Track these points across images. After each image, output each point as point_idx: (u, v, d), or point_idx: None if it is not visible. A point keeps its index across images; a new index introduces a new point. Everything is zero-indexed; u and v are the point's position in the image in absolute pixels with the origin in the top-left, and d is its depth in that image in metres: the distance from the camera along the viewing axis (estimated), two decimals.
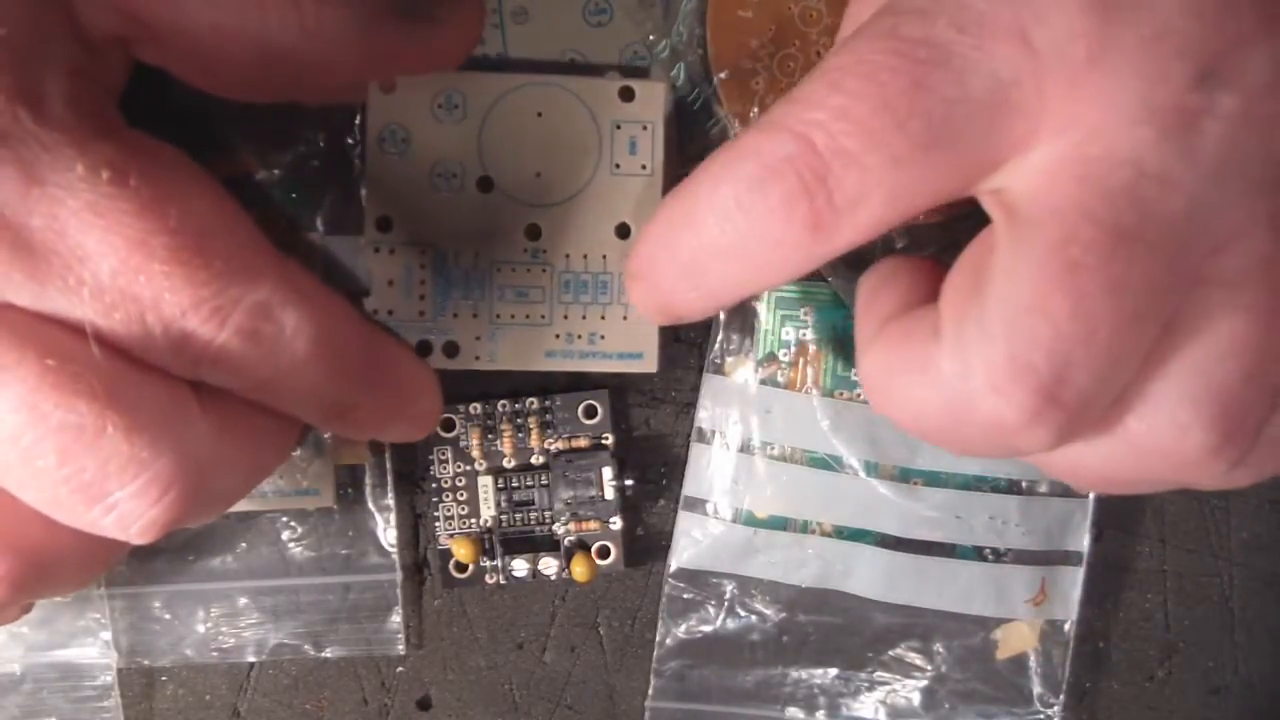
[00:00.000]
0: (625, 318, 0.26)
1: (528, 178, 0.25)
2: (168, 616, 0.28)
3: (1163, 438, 0.19)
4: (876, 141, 0.19)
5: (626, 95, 0.25)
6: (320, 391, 0.22)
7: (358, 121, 0.27)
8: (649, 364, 0.26)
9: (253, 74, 0.23)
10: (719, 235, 0.20)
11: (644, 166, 0.25)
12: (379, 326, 0.25)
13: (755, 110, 0.27)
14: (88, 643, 0.28)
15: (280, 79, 0.23)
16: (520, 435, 0.28)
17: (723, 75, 0.27)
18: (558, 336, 0.26)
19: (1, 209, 0.19)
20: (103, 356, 0.19)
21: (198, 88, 0.23)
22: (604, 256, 0.26)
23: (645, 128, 0.25)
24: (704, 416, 0.29)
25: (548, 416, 0.28)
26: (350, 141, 0.27)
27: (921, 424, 0.20)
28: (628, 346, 0.26)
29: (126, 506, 0.20)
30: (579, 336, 0.26)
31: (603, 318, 0.26)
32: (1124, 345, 0.18)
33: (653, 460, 0.29)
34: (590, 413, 0.28)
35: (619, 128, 0.25)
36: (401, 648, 0.29)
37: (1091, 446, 0.20)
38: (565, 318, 0.26)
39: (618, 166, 0.25)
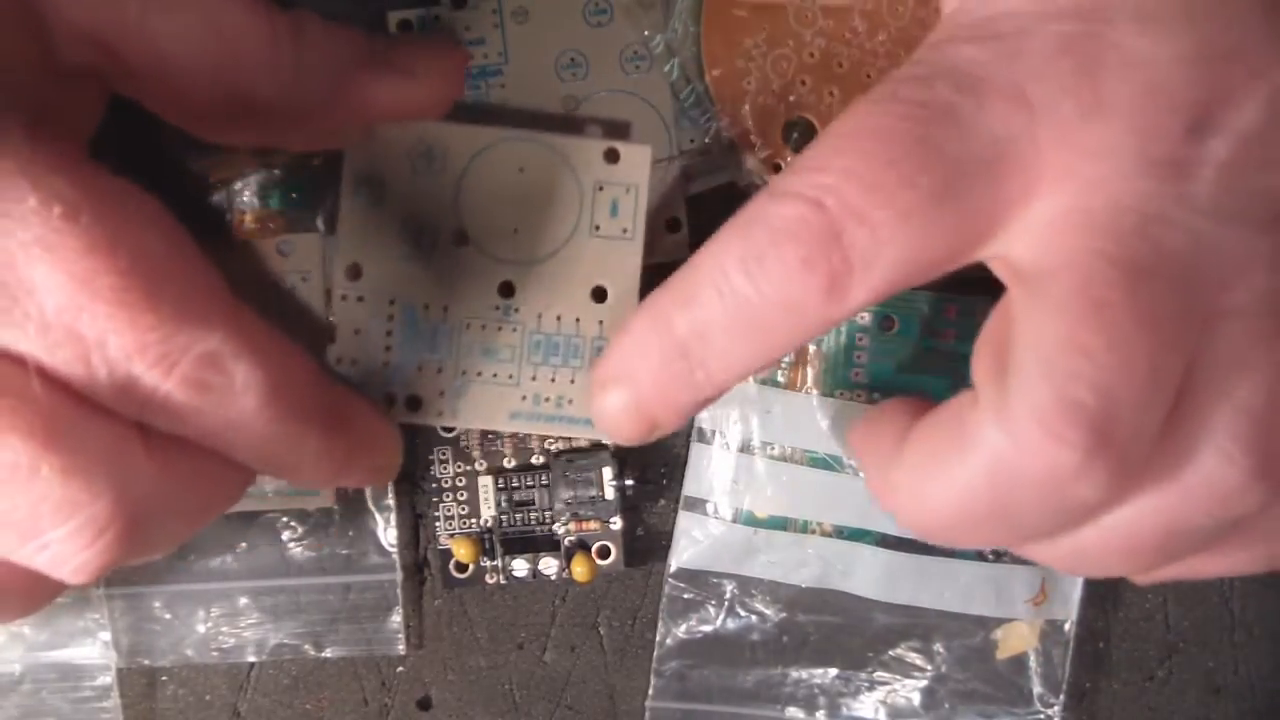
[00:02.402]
0: None
1: (504, 234, 0.25)
2: (168, 616, 0.28)
3: (1208, 470, 0.19)
4: (885, 198, 0.19)
5: (611, 157, 0.25)
6: (270, 444, 0.21)
7: None
8: None
9: (228, 114, 0.23)
10: (725, 308, 0.20)
11: (625, 230, 0.25)
12: (338, 380, 0.24)
13: (746, 108, 0.27)
14: (88, 643, 0.28)
15: (255, 121, 0.23)
16: (520, 435, 0.28)
17: (715, 73, 0.26)
18: (524, 398, 0.25)
19: None
20: (45, 393, 0.19)
21: (175, 124, 0.23)
22: (577, 319, 0.25)
23: (628, 190, 0.25)
24: (704, 416, 0.29)
25: None
26: None
27: (969, 508, 0.20)
28: None
29: (59, 548, 0.19)
30: (546, 399, 0.25)
31: (572, 381, 0.25)
32: (1160, 374, 0.18)
33: (653, 460, 0.29)
34: None
35: (601, 189, 0.25)
36: (402, 648, 0.29)
37: (1140, 498, 0.20)
38: (533, 379, 0.25)
39: (597, 228, 0.25)
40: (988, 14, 0.20)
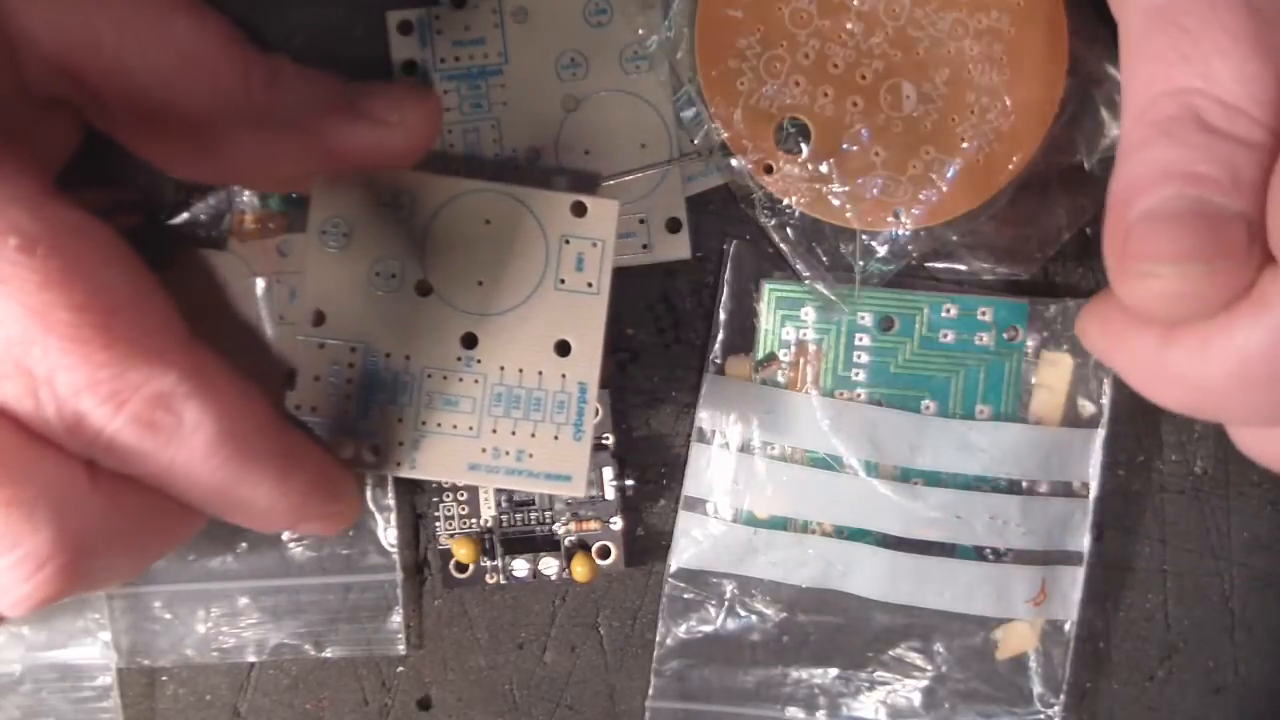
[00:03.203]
0: (556, 438, 0.25)
1: (469, 285, 0.25)
2: (168, 616, 0.28)
3: None
4: None
5: (578, 210, 0.25)
6: (219, 487, 0.21)
7: None
8: (576, 487, 0.25)
9: (199, 153, 0.23)
10: None
11: (590, 284, 0.25)
12: (294, 425, 0.24)
13: (739, 111, 0.27)
14: (88, 643, 0.28)
15: (225, 161, 0.23)
16: None
17: (708, 73, 0.27)
18: (484, 450, 0.25)
19: None
20: None
21: (146, 160, 0.23)
22: (540, 373, 0.25)
23: (595, 245, 0.25)
24: (704, 416, 0.29)
25: None
26: None
27: (1253, 370, 0.20)
28: (556, 468, 0.25)
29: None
30: (506, 452, 0.25)
31: (533, 435, 0.25)
32: None
33: (653, 460, 0.29)
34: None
35: (568, 243, 0.25)
36: (402, 648, 0.29)
37: None
38: (494, 431, 0.25)
39: (563, 282, 0.25)
40: None
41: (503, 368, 0.25)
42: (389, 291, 0.25)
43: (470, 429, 0.25)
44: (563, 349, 0.25)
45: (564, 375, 0.25)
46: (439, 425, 0.25)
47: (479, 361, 0.25)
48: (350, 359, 0.25)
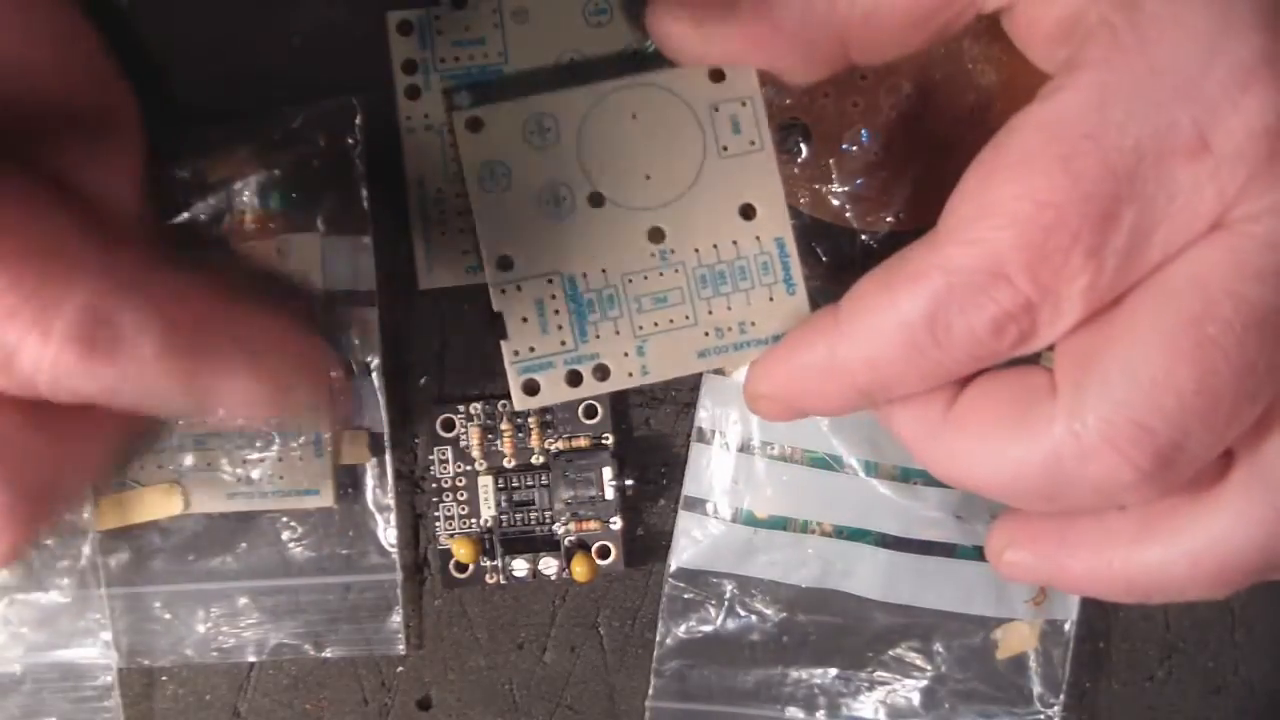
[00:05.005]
0: (770, 299, 0.25)
1: (638, 182, 0.25)
2: (168, 616, 0.28)
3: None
4: (1071, 274, 0.19)
5: (716, 77, 0.25)
6: (184, 387, 0.20)
7: (358, 121, 0.27)
8: None
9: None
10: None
11: (752, 142, 0.25)
12: (245, 300, 0.22)
13: None
14: (88, 643, 0.28)
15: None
16: (520, 435, 0.28)
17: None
18: (707, 334, 0.25)
19: None
20: None
21: None
22: (734, 242, 0.25)
23: (744, 104, 0.25)
24: (704, 416, 0.29)
25: (548, 416, 0.28)
26: (350, 141, 0.27)
27: (1018, 484, 0.21)
28: (783, 325, 0.25)
29: None
30: (729, 329, 0.25)
31: (748, 304, 0.25)
32: (1236, 421, 0.19)
33: (653, 460, 0.29)
34: (590, 413, 0.28)
35: (717, 110, 0.25)
36: (402, 648, 0.29)
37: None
38: (710, 313, 0.25)
39: (725, 149, 0.25)
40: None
41: (697, 249, 0.25)
42: (564, 213, 0.25)
43: (687, 318, 0.25)
44: (748, 212, 0.25)
45: (757, 237, 0.25)
46: (656, 325, 0.25)
47: (673, 251, 0.25)
48: (550, 291, 0.25)
